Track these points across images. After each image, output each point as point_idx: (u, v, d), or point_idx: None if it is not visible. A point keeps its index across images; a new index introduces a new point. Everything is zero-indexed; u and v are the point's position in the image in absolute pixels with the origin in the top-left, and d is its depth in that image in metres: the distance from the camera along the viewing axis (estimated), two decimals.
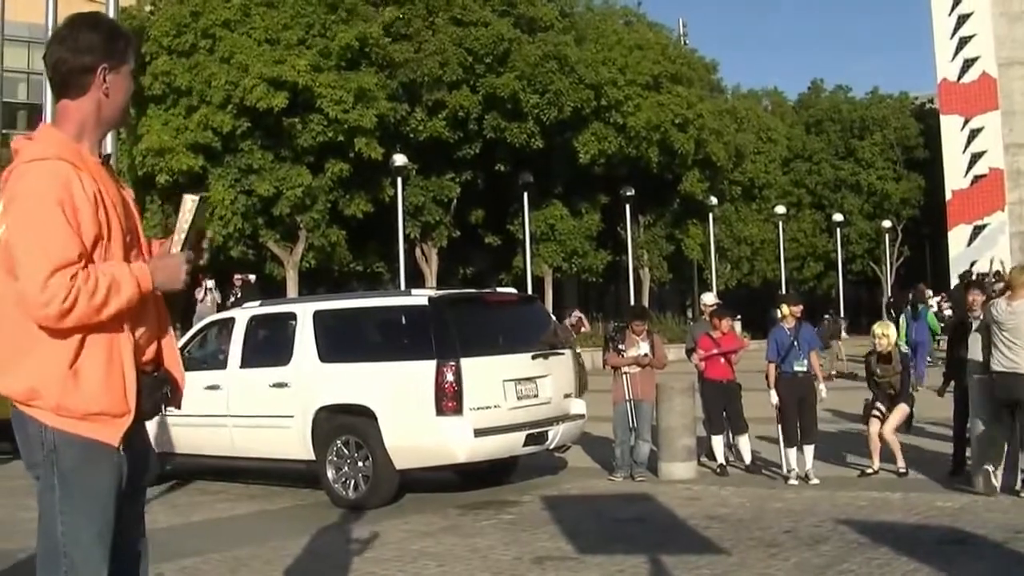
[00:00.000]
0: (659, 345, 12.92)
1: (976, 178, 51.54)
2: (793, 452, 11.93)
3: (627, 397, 12.38)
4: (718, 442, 12.66)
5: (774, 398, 12.04)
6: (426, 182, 33.77)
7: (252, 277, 27.47)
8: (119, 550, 3.46)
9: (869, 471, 11.99)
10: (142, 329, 3.49)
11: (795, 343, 12.01)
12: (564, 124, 34.90)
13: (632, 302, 35.91)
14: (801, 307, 12.59)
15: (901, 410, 12.09)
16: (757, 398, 13.77)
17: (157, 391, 3.54)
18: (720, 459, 12.53)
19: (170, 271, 3.46)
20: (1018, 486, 10.35)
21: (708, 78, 48.44)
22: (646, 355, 12.50)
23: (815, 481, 11.72)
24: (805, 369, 11.99)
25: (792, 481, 11.83)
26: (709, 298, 15.59)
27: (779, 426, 12.15)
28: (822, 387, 12.08)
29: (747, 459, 12.56)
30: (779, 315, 12.69)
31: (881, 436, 11.98)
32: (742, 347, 13.33)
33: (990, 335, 10.54)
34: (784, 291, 47.74)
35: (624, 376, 12.48)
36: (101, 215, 3.34)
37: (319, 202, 30.41)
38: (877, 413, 12.18)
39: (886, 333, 12.41)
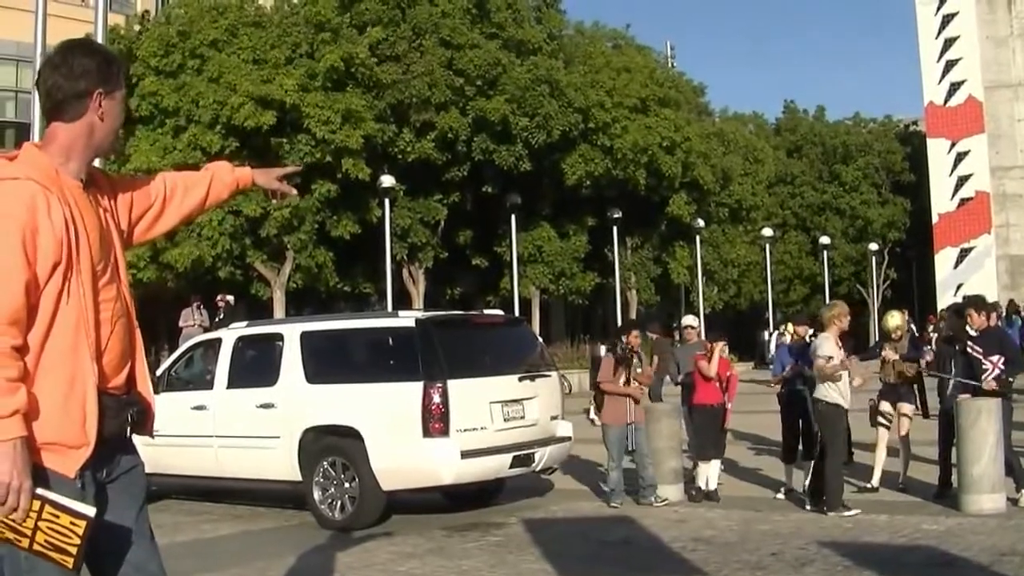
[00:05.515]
0: (645, 362, 12.88)
1: (963, 201, 51.73)
2: (792, 469, 12.12)
3: (629, 420, 12.05)
4: (712, 467, 12.43)
5: None
6: (414, 203, 33.74)
7: (230, 298, 27.38)
8: None
9: (869, 487, 12.04)
10: (111, 355, 3.42)
11: (798, 363, 12.12)
12: (552, 147, 34.94)
13: (619, 324, 35.83)
14: (807, 328, 12.71)
15: (908, 410, 12.31)
16: (748, 420, 13.80)
17: (121, 413, 3.46)
18: (713, 485, 12.28)
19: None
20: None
21: (695, 101, 48.56)
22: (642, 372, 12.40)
23: None
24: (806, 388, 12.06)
25: (779, 496, 11.93)
26: (687, 320, 15.56)
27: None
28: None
29: (712, 485, 12.25)
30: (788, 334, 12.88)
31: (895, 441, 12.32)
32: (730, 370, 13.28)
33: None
34: (771, 314, 47.99)
35: (627, 398, 12.16)
36: (70, 241, 3.27)
37: (306, 223, 30.32)
38: (884, 421, 12.34)
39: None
